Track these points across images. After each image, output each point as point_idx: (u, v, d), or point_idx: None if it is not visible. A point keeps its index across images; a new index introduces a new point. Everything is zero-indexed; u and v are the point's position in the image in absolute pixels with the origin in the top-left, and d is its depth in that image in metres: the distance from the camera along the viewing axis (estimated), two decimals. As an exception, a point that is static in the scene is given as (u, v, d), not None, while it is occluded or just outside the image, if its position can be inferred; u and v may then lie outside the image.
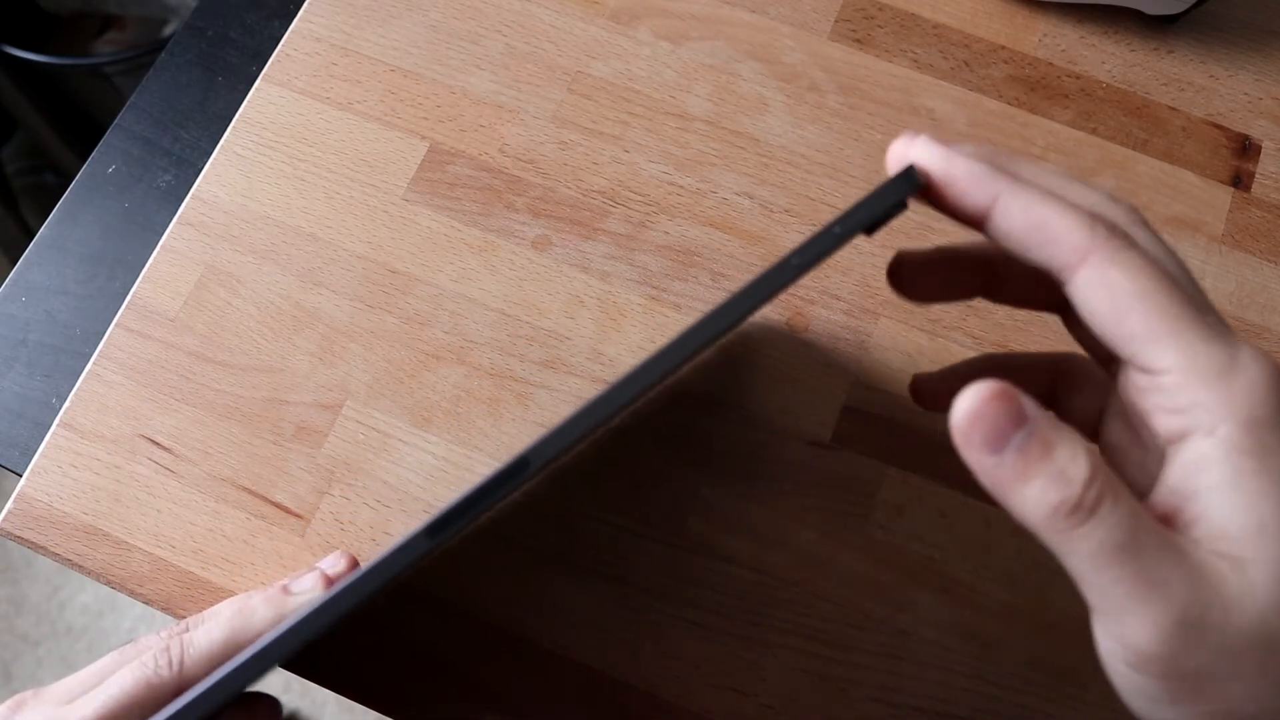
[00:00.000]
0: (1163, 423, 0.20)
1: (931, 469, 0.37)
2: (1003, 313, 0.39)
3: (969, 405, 0.19)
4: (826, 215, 0.40)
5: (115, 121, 0.43)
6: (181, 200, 0.41)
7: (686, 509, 0.37)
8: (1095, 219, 0.20)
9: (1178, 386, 0.19)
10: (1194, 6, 0.41)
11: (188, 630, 0.31)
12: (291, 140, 0.41)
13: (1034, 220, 0.20)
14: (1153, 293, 0.19)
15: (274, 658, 0.22)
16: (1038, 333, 0.39)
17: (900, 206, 0.22)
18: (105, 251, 0.42)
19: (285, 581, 0.32)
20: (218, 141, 0.41)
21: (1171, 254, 0.21)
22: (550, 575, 0.36)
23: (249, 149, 0.41)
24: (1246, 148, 0.42)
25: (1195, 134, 0.42)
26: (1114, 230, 0.20)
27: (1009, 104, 0.42)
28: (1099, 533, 0.19)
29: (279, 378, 0.38)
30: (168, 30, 1.09)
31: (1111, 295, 0.20)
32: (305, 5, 0.43)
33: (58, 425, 0.37)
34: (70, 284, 0.41)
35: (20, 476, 0.37)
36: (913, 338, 0.39)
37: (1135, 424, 0.23)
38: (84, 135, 1.11)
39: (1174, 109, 0.42)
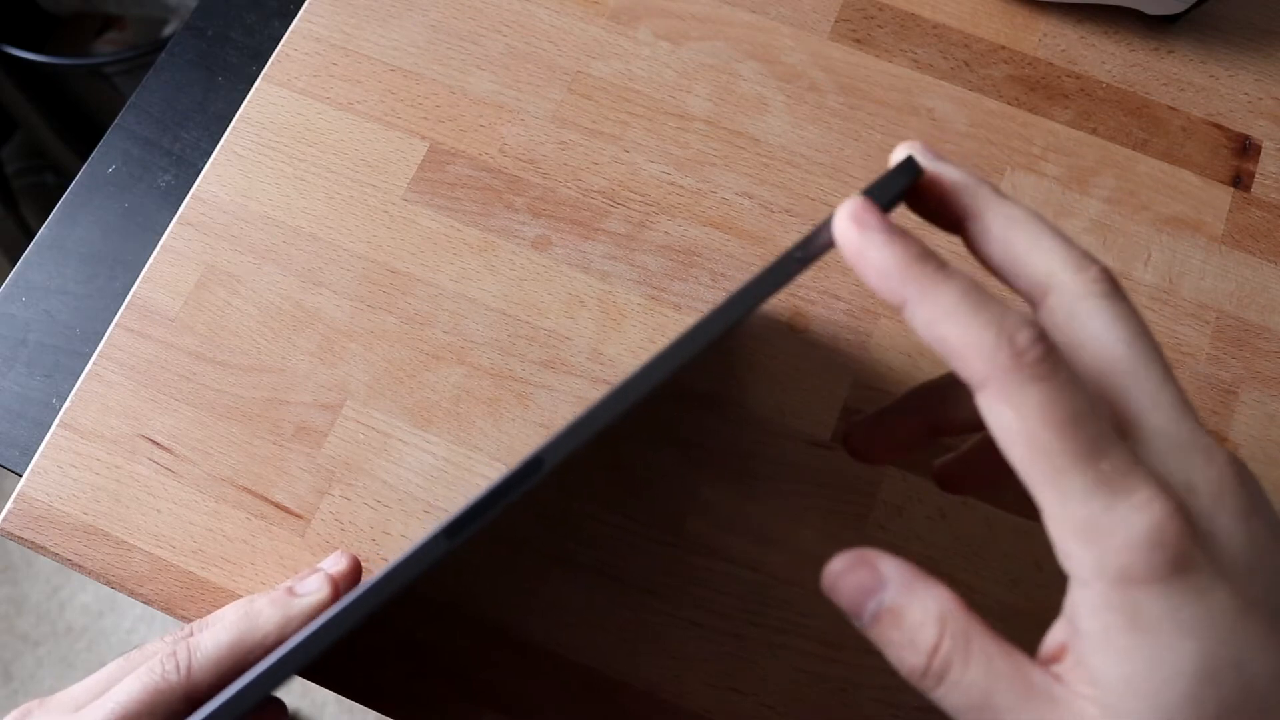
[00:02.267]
0: (1055, 550, 0.20)
1: (931, 469, 0.37)
2: (1003, 313, 0.39)
3: (832, 571, 0.21)
4: (826, 215, 0.40)
5: (115, 121, 0.43)
6: (181, 200, 0.41)
7: (686, 509, 0.37)
8: (1001, 342, 0.19)
9: (1055, 533, 0.19)
10: (1194, 6, 0.41)
11: (192, 634, 0.31)
12: (291, 140, 0.41)
13: (935, 336, 0.20)
14: (1039, 437, 0.18)
15: (298, 662, 0.22)
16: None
17: (900, 198, 0.22)
18: (105, 251, 0.42)
19: (289, 583, 0.32)
20: (218, 141, 0.41)
21: (1130, 325, 0.20)
22: (550, 575, 0.36)
23: (249, 149, 0.41)
24: (1246, 148, 0.42)
25: (1195, 134, 0.42)
26: (1019, 357, 0.19)
27: (1009, 104, 0.42)
28: (952, 696, 0.20)
29: (279, 378, 0.38)
30: (168, 30, 1.09)
31: (999, 428, 0.19)
32: (305, 5, 0.43)
33: (58, 425, 0.37)
34: (70, 284, 0.41)
35: (20, 476, 0.37)
36: (913, 338, 0.39)
37: None
38: (84, 135, 1.11)
39: (1174, 109, 0.42)
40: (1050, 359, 0.19)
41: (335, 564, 0.33)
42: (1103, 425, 0.19)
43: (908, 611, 0.20)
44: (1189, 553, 0.18)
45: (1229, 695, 0.18)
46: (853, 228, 0.20)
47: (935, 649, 0.20)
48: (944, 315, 0.19)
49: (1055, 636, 0.21)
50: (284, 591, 0.31)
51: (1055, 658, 0.20)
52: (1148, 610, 0.18)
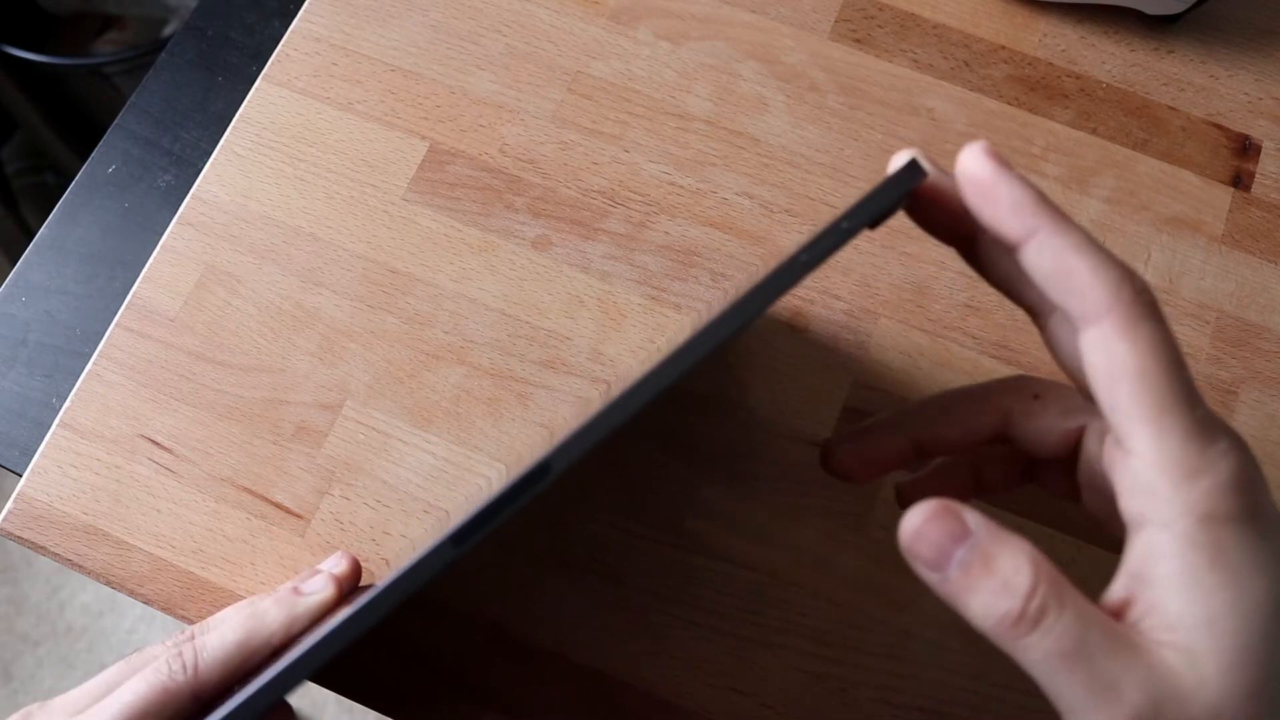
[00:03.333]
0: (1126, 500, 0.21)
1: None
2: (1003, 313, 0.39)
3: (912, 525, 0.20)
4: (827, 215, 0.40)
5: (115, 121, 0.43)
6: (181, 200, 0.41)
7: (686, 509, 0.37)
8: (1125, 279, 0.20)
9: (1145, 474, 0.20)
10: (1194, 6, 0.41)
11: (195, 636, 0.31)
12: (291, 140, 0.41)
13: (1064, 266, 0.20)
14: (1150, 373, 0.20)
15: (311, 666, 0.22)
16: (1037, 333, 0.39)
17: (905, 199, 0.22)
18: (105, 251, 0.42)
19: (293, 583, 0.32)
20: (218, 141, 0.41)
21: (1173, 341, 0.21)
22: (550, 576, 0.36)
23: (249, 149, 0.41)
24: (1246, 148, 0.42)
25: (1195, 134, 0.42)
26: (1139, 295, 0.20)
27: (1009, 104, 0.42)
28: (1046, 641, 0.19)
29: (279, 378, 0.38)
30: (168, 30, 1.09)
31: (1110, 363, 0.20)
32: (305, 5, 0.43)
33: (58, 425, 0.37)
34: (70, 284, 0.41)
35: (20, 476, 0.37)
36: (912, 338, 0.39)
37: (1102, 471, 0.23)
38: (84, 135, 1.11)
39: (1174, 109, 0.42)
40: (1158, 305, 0.20)
41: (336, 565, 0.33)
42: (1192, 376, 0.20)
43: (999, 557, 0.20)
44: (1262, 500, 0.19)
45: (1272, 663, 0.19)
46: (989, 162, 0.21)
47: (1032, 592, 0.19)
48: (1075, 247, 0.20)
49: (1115, 593, 0.21)
50: (288, 591, 0.31)
51: (1119, 614, 0.20)
52: (1230, 548, 0.19)
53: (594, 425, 0.21)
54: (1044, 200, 0.21)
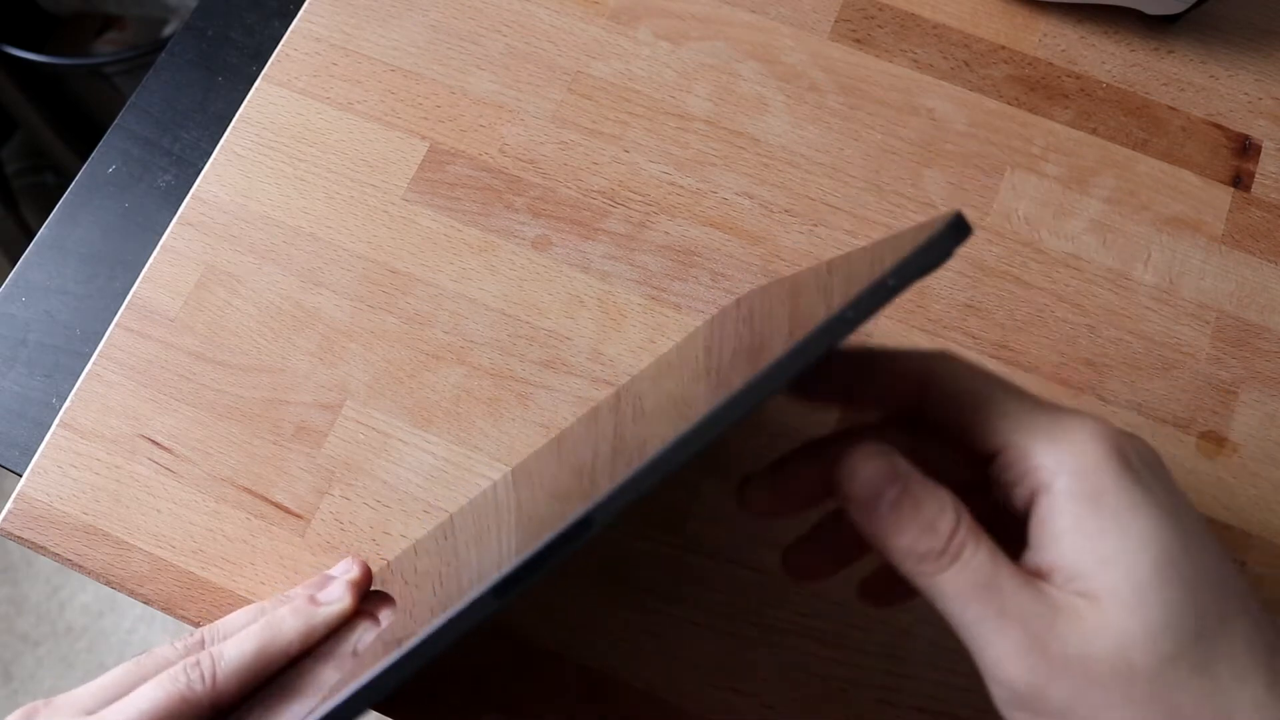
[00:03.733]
0: (1016, 496, 0.22)
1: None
2: (1003, 313, 0.39)
3: (849, 465, 0.22)
4: (827, 215, 0.40)
5: (115, 121, 0.43)
6: (181, 200, 0.41)
7: (686, 509, 0.37)
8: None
9: (1017, 456, 0.22)
10: (1194, 6, 0.41)
11: (204, 643, 0.30)
12: (291, 140, 0.41)
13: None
14: (992, 384, 0.23)
15: (359, 709, 0.22)
16: (1037, 333, 0.39)
17: (948, 256, 0.22)
18: (105, 251, 0.42)
19: (300, 589, 0.32)
20: (218, 141, 0.41)
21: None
22: (550, 576, 0.36)
23: (249, 149, 0.41)
24: (1246, 148, 0.42)
25: (1195, 134, 0.42)
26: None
27: (1009, 104, 0.42)
28: (962, 575, 0.21)
29: (279, 378, 0.38)
30: (168, 30, 1.09)
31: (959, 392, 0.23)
32: (305, 5, 0.43)
33: (58, 425, 0.37)
34: (70, 284, 0.41)
35: (20, 476, 0.37)
36: (912, 338, 0.39)
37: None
38: (84, 135, 1.11)
39: (1174, 109, 0.42)
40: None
41: (349, 571, 0.33)
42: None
43: (926, 501, 0.22)
44: (1128, 450, 0.21)
45: (1188, 574, 0.20)
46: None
47: (954, 531, 0.21)
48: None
49: (1026, 568, 0.22)
50: (305, 600, 0.31)
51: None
52: (1108, 493, 0.21)
53: (638, 477, 0.21)
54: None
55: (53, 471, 0.37)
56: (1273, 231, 0.41)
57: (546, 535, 0.21)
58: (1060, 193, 0.41)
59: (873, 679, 0.35)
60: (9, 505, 0.37)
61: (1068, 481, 0.21)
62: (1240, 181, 0.41)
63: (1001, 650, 0.20)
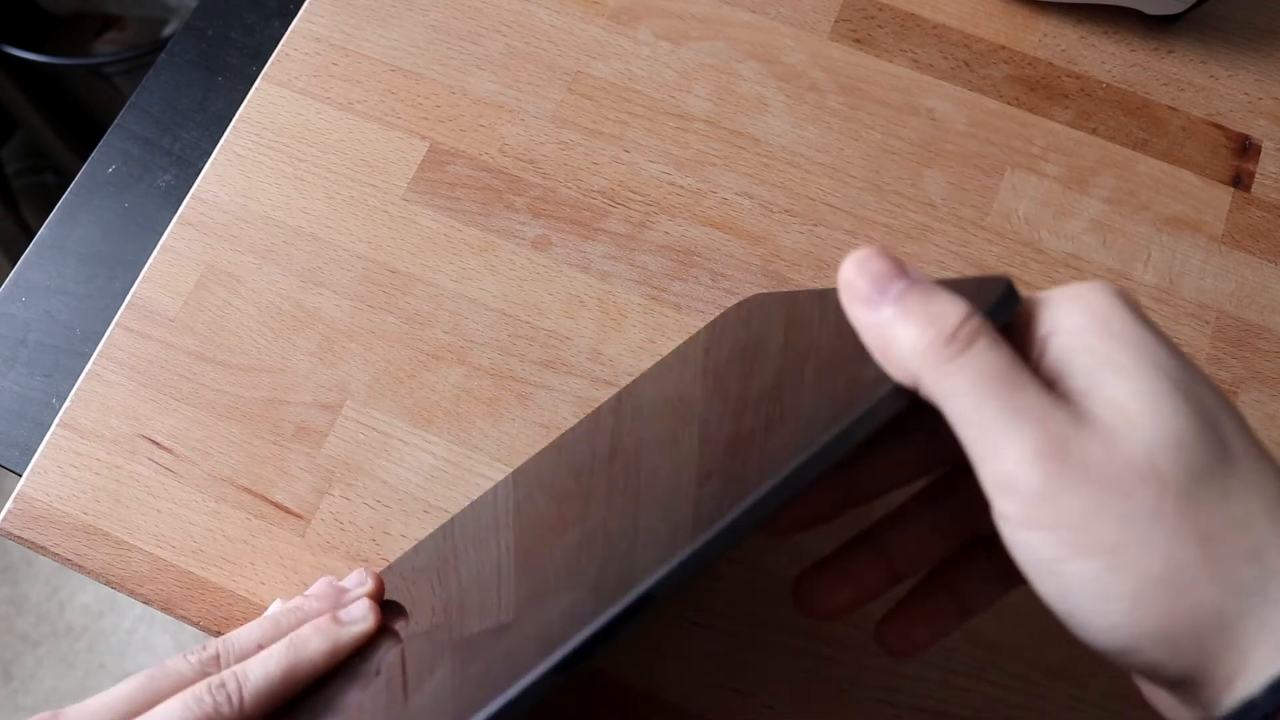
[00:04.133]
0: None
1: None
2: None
3: (853, 258, 0.21)
4: (827, 215, 0.40)
5: (115, 121, 0.43)
6: (181, 200, 0.41)
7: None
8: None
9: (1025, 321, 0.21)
10: (1194, 6, 0.41)
11: (219, 659, 0.29)
12: (291, 140, 0.41)
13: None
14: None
15: None
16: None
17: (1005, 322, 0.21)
18: (105, 251, 0.42)
19: (324, 604, 0.31)
20: (218, 141, 0.41)
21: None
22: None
23: (249, 149, 0.41)
24: (1246, 148, 0.42)
25: (1195, 134, 0.42)
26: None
27: (1009, 104, 0.42)
28: (977, 362, 0.19)
29: (279, 378, 0.38)
30: (168, 30, 1.09)
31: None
32: (305, 5, 0.43)
33: (58, 425, 0.37)
34: (70, 284, 0.41)
35: (20, 476, 0.37)
36: (913, 338, 0.39)
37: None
38: (84, 135, 1.11)
39: (1174, 109, 0.42)
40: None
41: (363, 584, 0.32)
42: None
43: (936, 296, 0.20)
44: (1125, 294, 0.21)
45: (1202, 397, 0.19)
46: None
47: (966, 319, 0.20)
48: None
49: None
50: (329, 620, 0.30)
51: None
52: (1115, 321, 0.20)
53: (701, 553, 0.20)
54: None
55: (53, 471, 0.37)
56: (1273, 231, 0.41)
57: (609, 612, 0.21)
58: (1060, 193, 0.41)
59: (873, 679, 0.35)
60: (9, 505, 0.37)
61: (1075, 317, 0.20)
62: (1240, 181, 0.41)
63: (1017, 452, 0.18)
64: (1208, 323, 0.39)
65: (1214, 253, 0.40)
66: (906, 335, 0.20)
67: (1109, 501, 0.18)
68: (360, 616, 0.31)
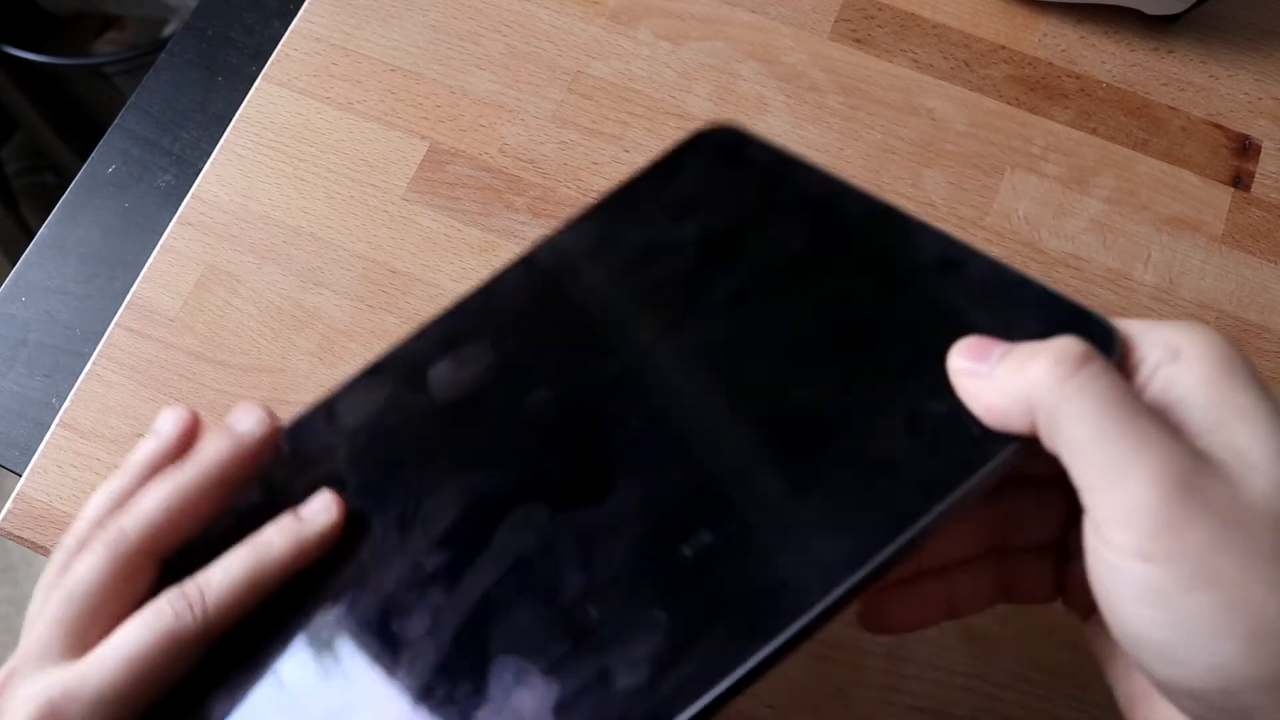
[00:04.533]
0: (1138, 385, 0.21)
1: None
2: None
3: (952, 353, 0.22)
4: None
5: (115, 121, 0.43)
6: (181, 200, 0.41)
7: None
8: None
9: (1135, 345, 0.21)
10: (1194, 6, 0.41)
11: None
12: (291, 140, 0.41)
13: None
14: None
15: None
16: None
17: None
18: (105, 251, 0.42)
19: (292, 509, 0.29)
20: (218, 141, 0.41)
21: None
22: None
23: (249, 149, 0.41)
24: (1246, 148, 0.42)
25: (1195, 134, 0.42)
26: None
27: (1009, 104, 0.42)
28: (1094, 386, 0.19)
29: (279, 378, 0.38)
30: (168, 30, 1.09)
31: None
32: (305, 5, 0.43)
33: (58, 425, 0.37)
34: (70, 284, 0.41)
35: (20, 476, 0.37)
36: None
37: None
38: (84, 135, 1.11)
39: (1174, 109, 0.42)
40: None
41: (255, 422, 0.29)
42: None
43: (1039, 343, 0.20)
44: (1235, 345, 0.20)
45: None
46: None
47: (1078, 343, 0.20)
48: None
49: None
50: (290, 517, 0.28)
51: None
52: (1237, 364, 0.19)
53: (774, 652, 0.21)
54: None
55: (53, 471, 0.37)
56: (1273, 231, 0.41)
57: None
58: (1060, 193, 0.41)
59: (873, 679, 0.35)
60: (9, 505, 0.37)
61: (1195, 355, 0.20)
62: (1240, 181, 0.41)
63: (1142, 481, 0.18)
64: (1207, 323, 0.39)
65: (1214, 253, 0.40)
66: (1020, 375, 0.20)
67: (1232, 538, 0.18)
68: (322, 510, 0.28)
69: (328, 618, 0.28)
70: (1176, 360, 0.20)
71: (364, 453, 0.30)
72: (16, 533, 0.36)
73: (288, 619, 0.28)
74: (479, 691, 0.25)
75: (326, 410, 0.31)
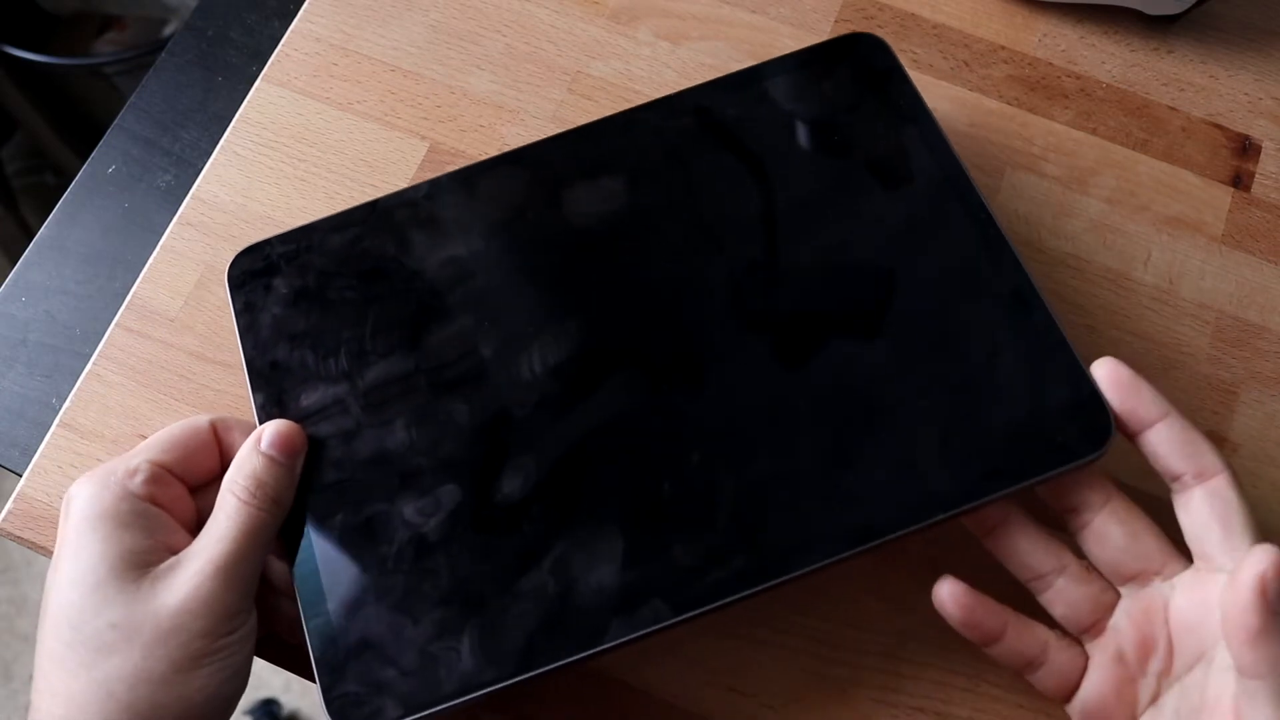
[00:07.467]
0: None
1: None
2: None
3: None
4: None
5: (115, 121, 0.43)
6: (181, 200, 0.41)
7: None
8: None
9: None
10: (1194, 6, 0.41)
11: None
12: (291, 140, 0.41)
13: (1188, 439, 0.30)
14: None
15: None
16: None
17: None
18: (105, 251, 0.42)
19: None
20: (218, 141, 0.41)
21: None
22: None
23: (249, 149, 0.41)
24: (1246, 148, 0.42)
25: (1195, 134, 0.42)
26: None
27: (1009, 104, 0.42)
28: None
29: (279, 378, 0.38)
30: (168, 30, 1.09)
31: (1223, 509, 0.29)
32: (305, 5, 0.43)
33: (58, 425, 0.37)
34: (70, 284, 0.41)
35: (20, 476, 0.37)
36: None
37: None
38: (84, 135, 1.11)
39: (1174, 109, 0.42)
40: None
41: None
42: None
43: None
44: None
45: None
46: (1124, 371, 0.31)
47: None
48: (1189, 427, 0.31)
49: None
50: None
51: None
52: None
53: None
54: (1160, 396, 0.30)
55: (53, 471, 0.37)
56: (1273, 231, 0.41)
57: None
58: (1060, 193, 0.41)
59: (873, 679, 0.35)
60: (9, 505, 0.37)
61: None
62: (1240, 181, 0.41)
63: None
64: (1207, 323, 0.39)
65: (1214, 253, 0.40)
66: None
67: None
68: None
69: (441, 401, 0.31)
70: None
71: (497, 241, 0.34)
72: (16, 533, 0.36)
73: (400, 405, 0.32)
74: (564, 522, 0.28)
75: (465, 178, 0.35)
